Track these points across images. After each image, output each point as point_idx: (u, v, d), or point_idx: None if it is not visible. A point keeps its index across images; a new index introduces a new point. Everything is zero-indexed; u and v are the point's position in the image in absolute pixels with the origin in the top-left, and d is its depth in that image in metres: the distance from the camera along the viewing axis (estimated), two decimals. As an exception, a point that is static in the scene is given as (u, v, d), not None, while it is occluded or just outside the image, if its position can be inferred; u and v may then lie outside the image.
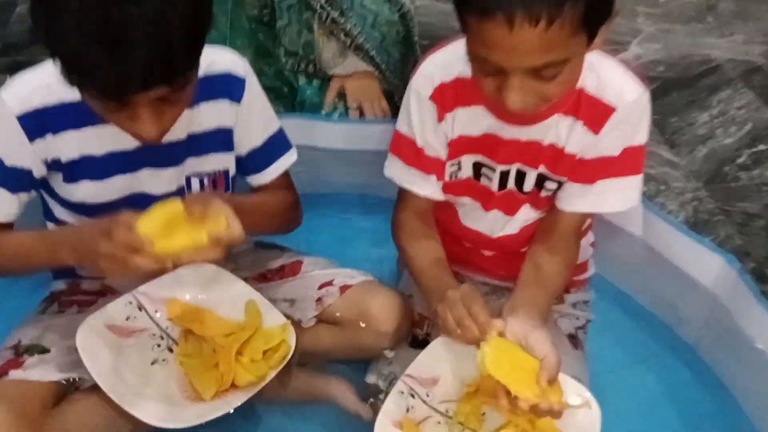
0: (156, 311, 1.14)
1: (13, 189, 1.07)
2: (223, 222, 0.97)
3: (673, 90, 2.04)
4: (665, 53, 2.18)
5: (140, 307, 1.13)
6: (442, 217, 1.26)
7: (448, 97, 1.09)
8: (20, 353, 1.09)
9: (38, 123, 1.03)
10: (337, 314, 1.17)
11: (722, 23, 2.33)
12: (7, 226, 1.10)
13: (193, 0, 0.88)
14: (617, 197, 1.11)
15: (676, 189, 1.73)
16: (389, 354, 1.18)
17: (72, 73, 0.88)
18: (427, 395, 1.07)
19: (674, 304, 1.38)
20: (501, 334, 0.97)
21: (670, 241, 1.33)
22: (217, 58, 1.10)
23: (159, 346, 1.13)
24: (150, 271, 0.97)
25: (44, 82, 1.02)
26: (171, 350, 1.13)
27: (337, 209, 1.57)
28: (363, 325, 1.16)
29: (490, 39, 0.88)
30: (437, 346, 1.08)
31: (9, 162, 1.04)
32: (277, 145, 1.21)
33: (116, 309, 1.11)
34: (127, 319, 1.11)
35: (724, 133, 1.90)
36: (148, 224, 0.94)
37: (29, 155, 1.05)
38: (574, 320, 1.26)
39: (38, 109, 1.02)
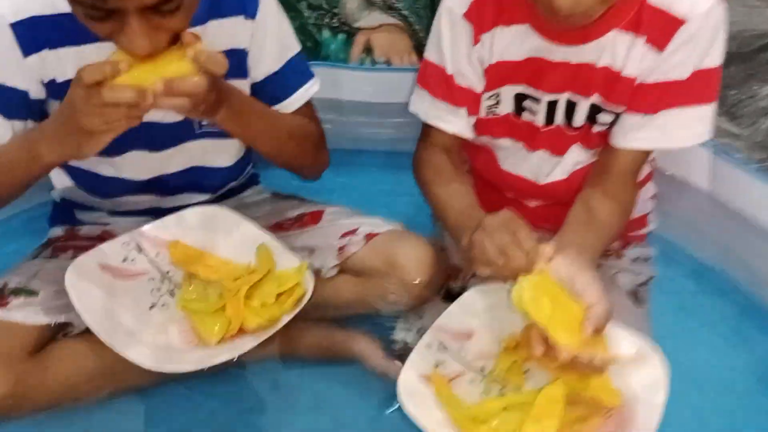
0: (156, 254, 1.03)
1: (7, 113, 0.95)
2: (201, 44, 0.83)
3: (731, 64, 1.89)
4: (721, 29, 2.03)
5: (139, 249, 1.03)
6: (479, 163, 1.13)
7: (486, 14, 0.97)
8: (5, 295, 0.98)
9: (34, 34, 0.92)
10: (362, 263, 1.04)
11: (780, -1, 2.19)
12: None
13: None
14: (684, 130, 0.97)
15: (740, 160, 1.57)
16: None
17: None
18: (460, 350, 0.94)
19: (749, 263, 1.22)
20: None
21: (743, 191, 1.19)
22: None
23: (158, 290, 1.02)
24: (135, 116, 0.82)
25: None
26: (172, 295, 1.02)
27: (364, 165, 1.46)
28: (391, 273, 1.02)
29: None
30: (472, 297, 0.96)
31: (2, 80, 0.94)
32: (296, 71, 1.08)
33: (112, 249, 1.01)
34: (124, 260, 1.01)
35: (788, 107, 1.75)
36: (121, 53, 0.82)
37: (24, 73, 0.94)
38: (635, 276, 1.12)
39: (34, 18, 0.92)
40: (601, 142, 1.02)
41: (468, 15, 0.98)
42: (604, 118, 0.99)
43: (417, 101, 1.06)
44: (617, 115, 0.98)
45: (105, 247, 1.00)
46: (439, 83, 1.02)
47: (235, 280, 1.00)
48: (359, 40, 1.48)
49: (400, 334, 1.05)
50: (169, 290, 1.02)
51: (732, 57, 1.91)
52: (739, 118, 1.71)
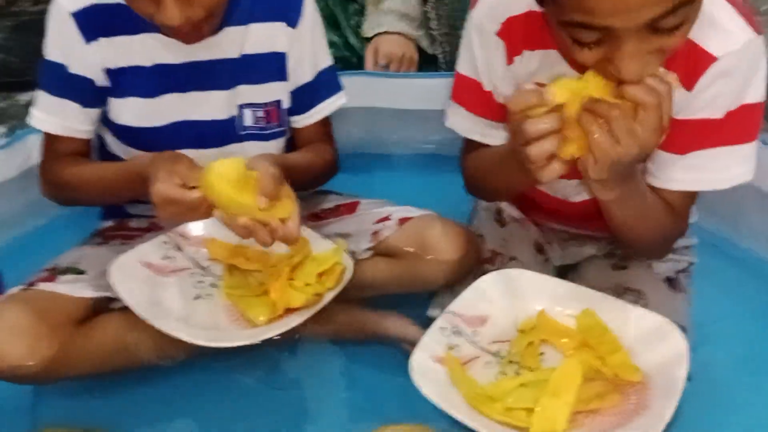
0: (195, 251, 1.09)
1: (83, 101, 1.05)
2: (289, 208, 0.92)
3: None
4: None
5: (177, 248, 1.08)
6: None
7: (516, 36, 0.92)
8: (55, 274, 1.04)
9: (92, 22, 1.01)
10: (395, 246, 1.06)
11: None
12: (84, 149, 1.08)
13: None
14: (719, 173, 0.89)
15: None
16: None
17: None
18: (474, 335, 0.94)
19: None
20: None
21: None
22: None
23: (201, 282, 1.06)
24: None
25: None
26: (214, 286, 1.06)
27: (395, 167, 1.51)
28: (423, 254, 1.05)
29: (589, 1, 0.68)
30: (486, 283, 0.98)
31: (73, 69, 1.03)
32: (327, 82, 1.14)
33: (152, 248, 1.06)
34: (164, 258, 1.06)
35: None
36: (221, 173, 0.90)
37: (88, 60, 1.03)
38: (674, 263, 1.08)
39: (93, 6, 1.01)
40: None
41: (501, 34, 0.93)
42: None
43: (454, 117, 1.03)
44: None
45: (145, 246, 1.05)
46: (477, 99, 0.99)
47: (273, 266, 1.03)
48: (369, 49, 1.57)
49: (435, 311, 1.04)
50: (211, 283, 1.06)
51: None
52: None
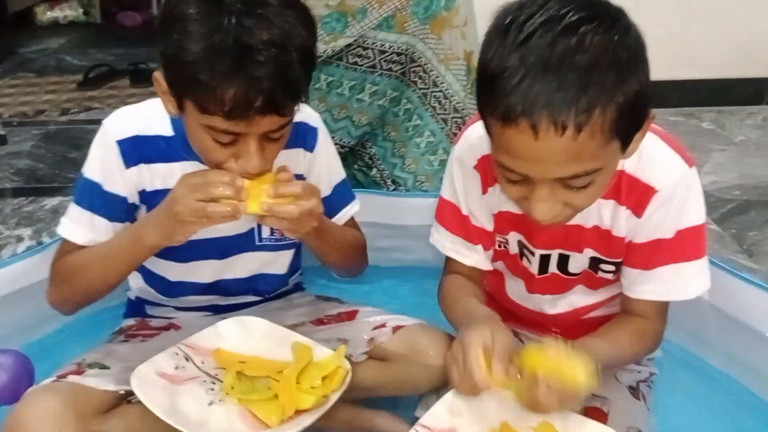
0: (202, 362, 1.15)
1: (110, 217, 1.15)
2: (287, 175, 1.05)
3: (751, 209, 2.03)
4: (741, 180, 2.20)
5: (187, 358, 1.15)
6: (491, 283, 1.24)
7: (490, 170, 1.06)
8: (83, 367, 1.13)
9: (134, 150, 1.13)
10: (388, 351, 1.17)
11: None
12: None
13: (309, 33, 1.00)
14: (682, 284, 1.05)
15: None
16: None
17: (202, 94, 0.96)
18: None
19: (749, 362, 1.31)
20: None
21: (740, 298, 1.29)
22: None
23: (213, 389, 1.12)
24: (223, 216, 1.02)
25: (143, 115, 1.15)
26: (226, 392, 1.12)
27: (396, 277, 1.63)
28: (412, 358, 1.15)
29: (514, 147, 0.84)
30: (454, 397, 1.03)
31: (107, 187, 1.14)
32: (342, 194, 1.29)
33: (165, 359, 1.13)
34: (176, 368, 1.13)
35: (807, 248, 1.85)
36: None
37: (125, 181, 1.14)
38: (636, 374, 1.20)
39: (136, 137, 1.13)
40: (604, 284, 1.11)
41: (477, 168, 1.08)
42: (606, 267, 1.09)
43: (436, 235, 1.17)
44: (618, 264, 1.07)
45: (157, 358, 1.11)
46: (455, 221, 1.13)
47: (279, 372, 1.12)
48: None
49: (422, 413, 1.10)
50: (222, 389, 1.12)
51: (751, 204, 2.08)
52: (758, 255, 1.82)
